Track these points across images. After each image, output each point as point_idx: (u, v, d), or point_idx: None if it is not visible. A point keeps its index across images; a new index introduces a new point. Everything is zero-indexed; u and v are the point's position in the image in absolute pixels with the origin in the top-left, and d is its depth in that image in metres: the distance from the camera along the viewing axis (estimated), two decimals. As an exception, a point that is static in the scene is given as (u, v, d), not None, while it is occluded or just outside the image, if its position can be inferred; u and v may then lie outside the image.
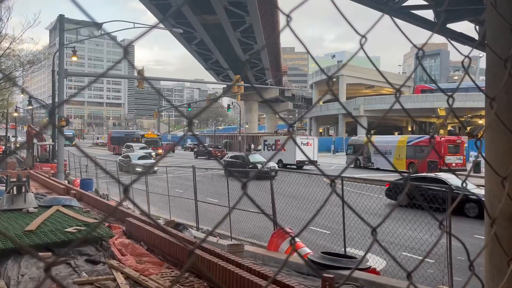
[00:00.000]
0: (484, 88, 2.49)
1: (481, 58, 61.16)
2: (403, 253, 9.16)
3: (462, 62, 1.44)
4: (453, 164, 27.90)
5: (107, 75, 51.26)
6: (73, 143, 67.38)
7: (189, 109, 78.48)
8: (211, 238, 9.87)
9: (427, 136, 32.33)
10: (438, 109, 54.94)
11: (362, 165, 33.87)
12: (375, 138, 33.81)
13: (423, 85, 70.02)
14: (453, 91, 1.50)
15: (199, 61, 69.33)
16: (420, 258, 8.16)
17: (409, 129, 70.85)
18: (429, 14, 7.38)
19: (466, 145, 28.24)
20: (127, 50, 0.73)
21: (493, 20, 2.32)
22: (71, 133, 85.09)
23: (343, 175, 8.82)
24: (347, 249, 8.85)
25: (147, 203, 15.09)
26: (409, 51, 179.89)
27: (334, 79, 67.76)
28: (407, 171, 28.65)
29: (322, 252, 7.34)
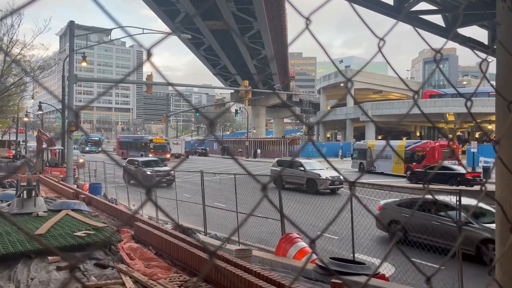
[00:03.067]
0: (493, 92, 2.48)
1: (490, 63, 60.55)
2: (412, 259, 9.07)
3: (480, 64, 1.43)
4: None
5: (116, 80, 51.57)
6: (100, 149, 66.94)
7: (196, 114, 78.71)
8: (217, 243, 9.87)
9: (423, 141, 32.71)
10: (447, 114, 54.56)
11: (365, 169, 34.47)
12: (376, 143, 34.92)
13: (432, 90, 69.70)
14: (470, 95, 1.49)
15: (207, 67, 69.58)
16: (430, 264, 8.09)
17: (418, 134, 70.45)
18: (436, 19, 7.36)
19: (475, 150, 27.99)
20: (150, 53, 0.75)
21: (509, 23, 2.31)
22: (98, 138, 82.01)
23: (356, 180, 8.76)
24: (356, 255, 8.79)
25: (155, 208, 15.13)
26: (416, 56, 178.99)
27: (342, 84, 67.58)
28: (405, 175, 28.74)
29: (330, 258, 7.30)
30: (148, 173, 23.10)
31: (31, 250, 6.25)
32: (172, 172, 20.14)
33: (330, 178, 19.20)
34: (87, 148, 64.60)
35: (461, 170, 24.18)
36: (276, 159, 27.66)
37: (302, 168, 21.60)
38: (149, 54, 0.77)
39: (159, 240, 6.76)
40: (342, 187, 20.69)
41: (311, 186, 19.89)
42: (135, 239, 7.38)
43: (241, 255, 7.42)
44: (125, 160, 43.28)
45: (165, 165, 26.85)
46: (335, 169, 1.07)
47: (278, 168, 24.13)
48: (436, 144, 30.22)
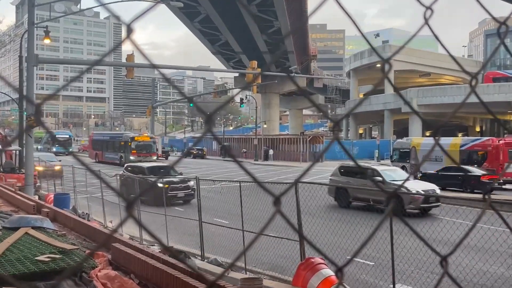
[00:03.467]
0: None
1: None
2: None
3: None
4: None
5: (87, 62, 52.02)
6: (70, 149, 66.61)
7: (191, 104, 79.02)
8: (219, 270, 9.90)
9: (484, 139, 32.38)
10: (516, 103, 54.12)
11: (409, 174, 33.78)
12: (423, 141, 34.92)
13: (496, 72, 69.19)
14: None
15: (204, 43, 69.81)
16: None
17: (477, 129, 70.04)
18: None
19: None
20: (131, 28, 0.75)
21: None
22: (68, 135, 79.18)
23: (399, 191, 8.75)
24: (397, 286, 8.77)
25: (138, 225, 15.23)
26: (476, 27, 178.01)
27: (378, 65, 67.66)
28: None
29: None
30: (159, 185, 19.22)
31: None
32: (192, 183, 18.74)
33: (423, 192, 17.67)
34: (54, 149, 64.03)
35: (476, 172, 26.64)
36: (338, 164, 23.03)
37: (380, 179, 18.86)
38: (130, 30, 0.78)
39: (143, 266, 6.80)
40: (439, 205, 18.35)
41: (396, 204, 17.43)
42: (113, 265, 7.43)
43: (249, 285, 7.44)
44: (100, 163, 43.43)
45: (180, 173, 24.12)
46: (372, 180, 1.07)
47: (342, 179, 20.73)
48: (501, 142, 30.04)
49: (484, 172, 27.14)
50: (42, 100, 0.99)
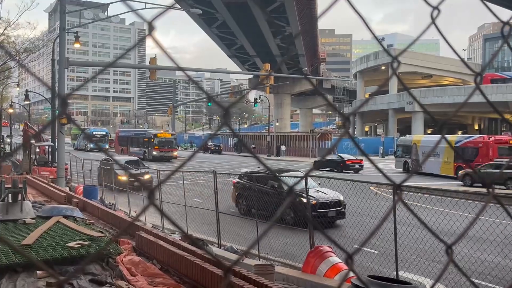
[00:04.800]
0: None
1: None
2: (472, 279, 8.94)
3: None
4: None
5: (114, 64, 52.33)
6: (107, 146, 63.45)
7: (209, 104, 79.17)
8: (234, 257, 9.91)
9: (477, 136, 32.51)
10: (513, 103, 53.38)
11: (411, 169, 34.62)
12: (423, 138, 35.47)
13: (494, 74, 68.26)
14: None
15: (221, 47, 69.79)
16: (490, 285, 7.96)
17: (476, 127, 69.22)
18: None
19: None
20: (152, 26, 0.74)
21: None
22: (104, 132, 74.06)
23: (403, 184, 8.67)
24: (400, 273, 8.71)
25: (160, 214, 15.30)
26: (475, 32, 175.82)
27: (383, 67, 67.04)
28: (454, 176, 29.35)
29: (369, 276, 7.25)
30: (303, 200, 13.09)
31: (17, 263, 6.40)
32: (342, 198, 14.07)
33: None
34: (91, 145, 61.55)
35: (346, 158, 37.31)
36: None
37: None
38: (151, 28, 0.77)
39: (165, 252, 6.83)
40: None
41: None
42: (137, 251, 7.47)
43: (262, 271, 7.44)
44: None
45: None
46: (378, 168, 1.05)
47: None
48: (491, 139, 30.23)
49: (350, 157, 37.82)
50: (69, 93, 0.98)
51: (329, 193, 14.48)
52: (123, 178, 20.74)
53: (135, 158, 29.89)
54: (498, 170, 24.26)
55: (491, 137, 31.59)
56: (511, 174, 24.77)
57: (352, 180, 9.66)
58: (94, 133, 70.86)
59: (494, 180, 24.93)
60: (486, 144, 29.50)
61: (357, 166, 36.88)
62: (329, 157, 37.44)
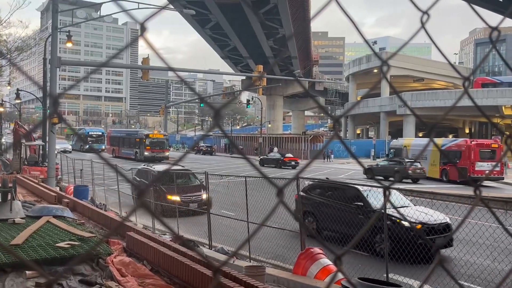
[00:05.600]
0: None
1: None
2: (459, 281, 8.99)
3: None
4: (486, 172, 29.04)
5: (106, 64, 52.13)
6: (103, 147, 62.51)
7: (201, 105, 79.12)
8: (225, 258, 9.90)
9: (461, 140, 33.56)
10: (503, 107, 53.83)
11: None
12: (412, 142, 36.72)
13: (484, 78, 68.86)
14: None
15: (214, 48, 69.76)
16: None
17: (467, 131, 69.71)
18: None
19: None
20: (145, 27, 0.74)
21: None
22: (101, 132, 71.32)
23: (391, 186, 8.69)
24: (390, 275, 8.75)
25: (151, 215, 15.25)
26: (466, 36, 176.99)
27: (376, 70, 67.36)
28: (440, 178, 31.13)
29: (359, 278, 7.27)
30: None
31: (5, 263, 6.35)
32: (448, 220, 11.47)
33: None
34: (87, 146, 59.81)
35: (286, 155, 45.26)
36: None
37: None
38: (143, 29, 0.77)
39: (155, 253, 6.82)
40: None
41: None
42: (128, 252, 7.45)
43: (253, 272, 7.44)
44: (117, 158, 42.89)
45: None
46: (365, 169, 1.06)
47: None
48: (473, 143, 31.11)
49: (289, 155, 45.69)
50: (61, 93, 0.98)
51: (432, 214, 11.46)
52: (175, 197, 15.54)
53: (182, 167, 19.23)
54: (390, 165, 31.44)
55: (473, 140, 32.47)
56: (397, 168, 30.49)
57: (343, 182, 9.67)
58: (90, 133, 69.25)
59: (386, 173, 29.39)
60: (468, 148, 30.34)
61: (293, 163, 43.57)
62: (271, 155, 46.89)
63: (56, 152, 36.56)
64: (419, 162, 32.43)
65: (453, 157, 30.15)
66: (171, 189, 16.30)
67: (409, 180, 30.24)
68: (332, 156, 55.02)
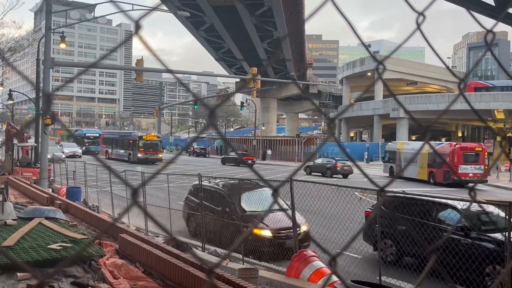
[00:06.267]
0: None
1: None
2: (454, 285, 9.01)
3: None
4: (470, 175, 29.91)
5: (100, 65, 52.01)
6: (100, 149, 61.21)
7: (195, 107, 79.03)
8: (218, 260, 9.88)
9: (446, 143, 34.42)
10: (495, 111, 54.15)
11: (395, 173, 36.30)
12: (404, 145, 37.45)
13: (477, 82, 69.22)
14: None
15: (208, 51, 69.73)
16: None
17: (459, 134, 70.07)
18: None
19: None
20: (139, 25, 0.73)
21: None
22: (98, 134, 68.02)
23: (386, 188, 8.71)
24: (383, 278, 8.76)
25: (144, 216, 15.21)
26: (459, 40, 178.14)
27: (369, 74, 67.59)
28: (428, 181, 32.13)
29: (352, 281, 7.28)
30: None
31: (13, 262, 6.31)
32: None
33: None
34: (84, 148, 58.97)
35: (245, 155, 51.44)
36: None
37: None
38: (138, 26, 0.77)
39: (148, 255, 6.79)
40: None
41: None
42: (120, 254, 7.42)
43: (246, 275, 7.43)
44: (110, 159, 42.36)
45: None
46: (363, 173, 1.06)
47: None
48: (456, 146, 31.94)
49: (246, 154, 52.60)
50: (54, 90, 0.98)
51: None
52: (265, 231, 11.04)
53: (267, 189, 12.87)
54: (323, 163, 38.16)
55: (456, 144, 33.28)
56: (329, 166, 37.73)
57: (337, 185, 9.69)
58: (87, 134, 67.61)
59: (322, 170, 36.45)
60: (452, 151, 31.03)
61: (249, 161, 47.37)
62: (231, 155, 50.87)
63: (64, 156, 36.40)
64: (347, 161, 38.09)
65: (439, 160, 30.89)
66: (248, 216, 11.74)
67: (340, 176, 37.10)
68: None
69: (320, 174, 37.85)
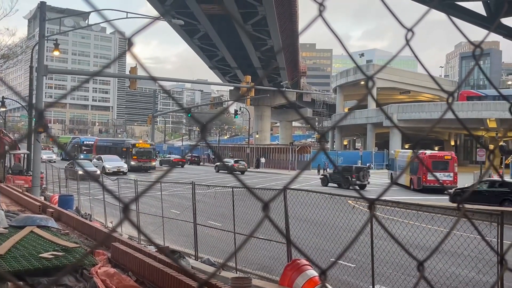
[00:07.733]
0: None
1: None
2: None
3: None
4: (439, 182, 31.54)
5: (92, 72, 51.93)
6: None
7: (189, 115, 79.06)
8: (211, 269, 9.84)
9: (419, 152, 35.37)
10: (488, 120, 54.55)
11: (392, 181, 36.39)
12: (399, 153, 38.72)
13: (470, 91, 69.76)
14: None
15: (203, 59, 69.93)
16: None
17: (452, 143, 70.48)
18: (475, 7, 7.39)
19: None
20: (131, 42, 0.74)
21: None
22: (93, 142, 66.45)
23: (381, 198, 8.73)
24: (376, 287, 8.76)
25: (137, 225, 15.13)
26: (452, 50, 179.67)
27: (363, 82, 67.92)
28: (409, 187, 33.66)
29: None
30: None
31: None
32: None
33: None
34: (82, 156, 57.66)
35: (231, 162, 51.24)
36: None
37: None
38: (130, 44, 0.77)
39: (140, 264, 6.75)
40: None
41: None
42: (112, 262, 7.37)
43: (239, 284, 7.40)
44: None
45: None
46: (353, 185, 1.06)
47: None
48: (426, 155, 33.41)
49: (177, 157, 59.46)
50: (47, 105, 0.98)
51: None
52: None
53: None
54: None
55: (425, 152, 34.52)
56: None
57: (330, 193, 9.71)
58: (85, 142, 66.75)
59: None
60: (422, 160, 31.94)
61: (241, 167, 50.79)
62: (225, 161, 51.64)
63: (98, 172, 34.49)
64: (244, 161, 49.72)
65: (415, 168, 32.83)
66: None
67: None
68: (328, 169, 54.00)
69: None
